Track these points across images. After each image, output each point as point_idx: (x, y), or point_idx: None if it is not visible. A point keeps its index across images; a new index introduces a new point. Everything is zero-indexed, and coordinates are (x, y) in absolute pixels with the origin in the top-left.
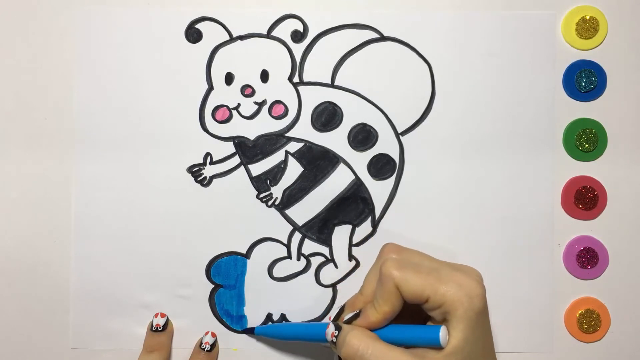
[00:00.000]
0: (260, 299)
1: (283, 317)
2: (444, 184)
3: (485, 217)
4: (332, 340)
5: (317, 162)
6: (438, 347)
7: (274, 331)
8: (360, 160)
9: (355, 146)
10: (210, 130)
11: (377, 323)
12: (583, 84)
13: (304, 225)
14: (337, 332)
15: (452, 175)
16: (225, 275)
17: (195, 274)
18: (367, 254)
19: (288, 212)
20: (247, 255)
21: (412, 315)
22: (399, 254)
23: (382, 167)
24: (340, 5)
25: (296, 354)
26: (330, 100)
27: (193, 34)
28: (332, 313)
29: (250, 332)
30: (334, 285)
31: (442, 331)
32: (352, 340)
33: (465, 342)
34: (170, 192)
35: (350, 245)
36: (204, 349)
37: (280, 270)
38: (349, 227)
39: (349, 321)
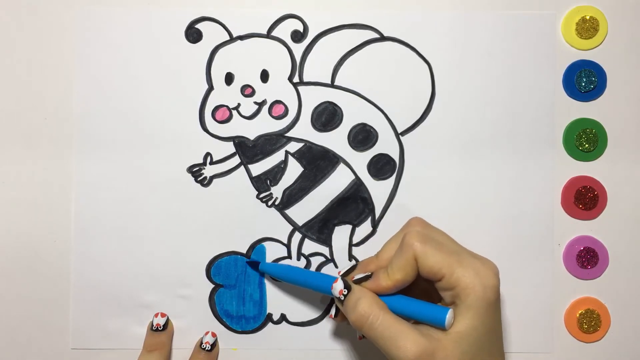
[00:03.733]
0: (261, 298)
1: (283, 317)
2: (444, 184)
3: (485, 217)
4: (339, 297)
5: (317, 162)
6: (441, 328)
7: (278, 271)
8: (360, 160)
9: (355, 146)
10: (210, 130)
11: (386, 289)
12: (583, 84)
13: (304, 225)
14: (346, 290)
15: (452, 175)
16: (225, 275)
17: (195, 274)
18: (367, 254)
19: (288, 212)
20: (247, 255)
21: (422, 296)
22: (425, 229)
23: (382, 167)
24: (340, 5)
25: (296, 354)
26: (330, 100)
27: (193, 34)
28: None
29: (254, 266)
30: None
31: (449, 314)
32: (364, 307)
33: (471, 329)
34: (170, 192)
35: (350, 245)
36: (204, 349)
37: None
38: (349, 227)
39: (359, 281)
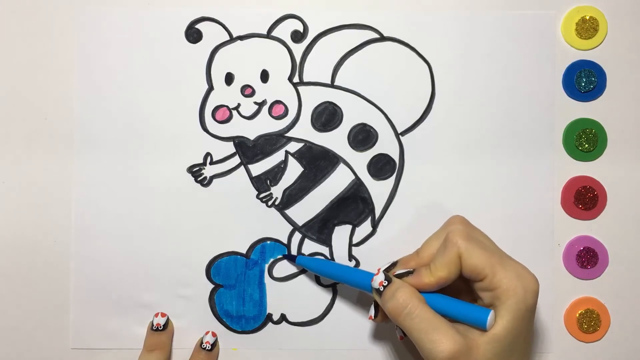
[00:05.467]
0: (261, 299)
1: (283, 317)
2: (444, 184)
3: (485, 217)
4: (378, 289)
5: (317, 162)
6: (481, 328)
7: (316, 265)
8: (360, 160)
9: (355, 146)
10: (210, 130)
11: (428, 286)
12: (583, 84)
13: (304, 225)
14: (386, 282)
15: (452, 175)
16: (225, 275)
17: (195, 274)
18: (367, 254)
19: (288, 212)
20: (247, 255)
21: (454, 295)
22: (467, 227)
23: (382, 167)
24: (340, 5)
25: (296, 354)
26: (330, 100)
27: (193, 34)
28: (332, 313)
29: (291, 259)
30: (334, 285)
31: (491, 315)
32: (402, 296)
33: (508, 332)
34: (171, 192)
35: (350, 245)
36: (204, 349)
37: (280, 270)
38: (349, 227)
39: (400, 276)
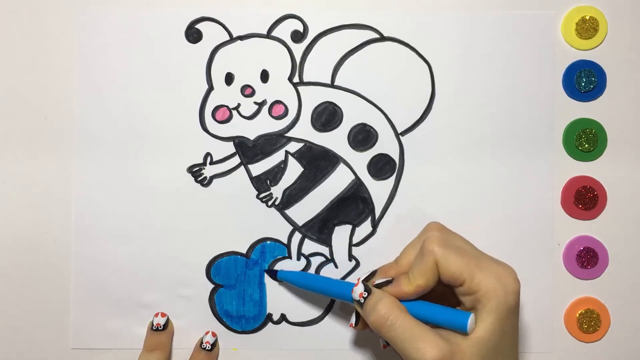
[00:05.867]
0: (261, 299)
1: (283, 317)
2: (444, 184)
3: (485, 217)
4: (359, 300)
5: (317, 162)
6: (463, 332)
7: (297, 279)
8: (360, 160)
9: (355, 146)
10: (210, 130)
11: (408, 294)
12: (583, 84)
13: (304, 225)
14: (366, 293)
15: (452, 175)
16: (225, 275)
17: (195, 274)
18: (367, 254)
19: (288, 212)
20: (247, 255)
21: (440, 300)
22: (444, 233)
23: (382, 167)
24: (340, 5)
25: (296, 354)
26: (330, 100)
27: (193, 34)
28: (332, 313)
29: (272, 274)
30: None
31: (471, 318)
32: (383, 308)
33: (491, 334)
34: (171, 192)
35: (350, 245)
36: (204, 349)
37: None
38: (349, 227)
39: (379, 286)
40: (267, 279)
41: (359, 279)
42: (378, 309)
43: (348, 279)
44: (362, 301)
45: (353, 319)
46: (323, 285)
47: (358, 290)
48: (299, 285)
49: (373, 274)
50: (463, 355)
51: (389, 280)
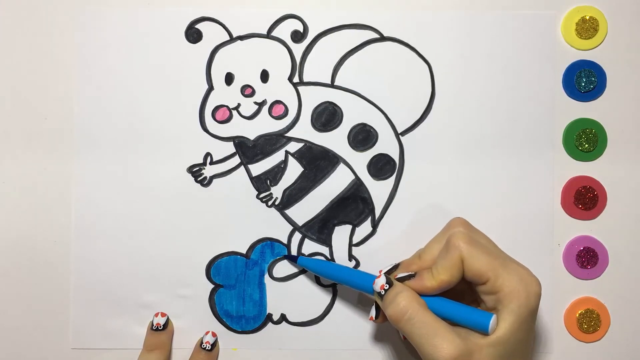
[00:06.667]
0: (261, 299)
1: (283, 317)
2: (444, 184)
3: (485, 217)
4: (379, 292)
5: (317, 162)
6: (483, 332)
7: (317, 266)
8: (360, 160)
9: (355, 146)
10: (210, 130)
11: (430, 289)
12: (583, 84)
13: (304, 225)
14: (387, 285)
15: (452, 175)
16: (225, 275)
17: (195, 274)
18: (367, 254)
19: (288, 212)
20: (247, 255)
21: (457, 297)
22: (469, 230)
23: (382, 167)
24: (340, 5)
25: (296, 354)
26: (330, 100)
27: (193, 34)
28: (332, 313)
29: (293, 259)
30: (334, 286)
31: (494, 319)
32: (403, 301)
33: (511, 335)
34: (171, 192)
35: (350, 245)
36: (204, 349)
37: (280, 270)
38: (349, 227)
39: (402, 280)
40: (267, 279)
41: (380, 271)
42: (397, 302)
43: None
44: (383, 293)
45: (373, 312)
46: (344, 275)
47: (380, 282)
48: (319, 272)
49: (395, 267)
50: (479, 354)
51: (411, 275)
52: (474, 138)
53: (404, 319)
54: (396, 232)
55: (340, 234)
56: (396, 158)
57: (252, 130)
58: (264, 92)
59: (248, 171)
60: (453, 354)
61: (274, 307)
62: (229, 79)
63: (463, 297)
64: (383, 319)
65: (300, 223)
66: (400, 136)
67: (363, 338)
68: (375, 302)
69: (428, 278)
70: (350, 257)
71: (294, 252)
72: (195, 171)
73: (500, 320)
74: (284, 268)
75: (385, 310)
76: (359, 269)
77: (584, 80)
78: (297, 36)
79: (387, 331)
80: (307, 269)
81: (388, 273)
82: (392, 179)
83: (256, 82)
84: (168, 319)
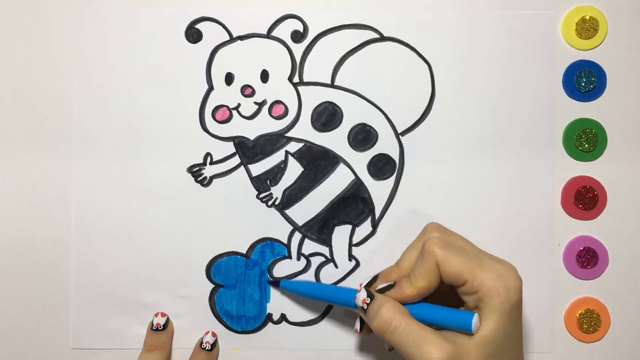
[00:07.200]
0: (261, 299)
1: (283, 317)
2: (444, 184)
3: (485, 217)
4: (362, 307)
5: (317, 162)
6: (467, 332)
7: (300, 288)
8: (360, 160)
9: (355, 146)
10: (210, 130)
11: (410, 297)
12: (583, 84)
13: (304, 225)
14: (369, 299)
15: (452, 175)
16: (225, 275)
17: (195, 274)
18: (367, 254)
19: (288, 212)
20: (247, 255)
21: (443, 299)
22: (443, 234)
23: (382, 167)
24: (340, 5)
25: (296, 354)
26: (330, 100)
27: (193, 34)
28: (332, 313)
29: (275, 284)
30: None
31: (475, 318)
32: (386, 313)
33: (496, 332)
34: (171, 192)
35: (350, 245)
36: (204, 349)
37: (280, 270)
38: (349, 227)
39: (382, 291)
40: (267, 278)
41: (361, 285)
42: (381, 314)
43: (348, 279)
44: (366, 307)
45: (358, 325)
46: (326, 293)
47: (361, 297)
48: (302, 294)
49: (375, 279)
50: (469, 355)
51: (391, 285)
52: (474, 138)
53: (390, 330)
54: (396, 232)
55: (340, 234)
56: (396, 158)
57: (252, 130)
58: (264, 92)
59: (248, 171)
60: (443, 358)
61: (274, 307)
62: (229, 79)
63: (449, 300)
64: (368, 331)
65: (300, 223)
66: (400, 136)
67: (363, 338)
68: (359, 315)
69: (407, 286)
70: (350, 257)
71: (294, 252)
72: (195, 171)
73: (483, 319)
74: (284, 268)
75: (370, 323)
76: (359, 269)
77: (584, 80)
78: (297, 36)
79: None
80: (290, 291)
81: (368, 285)
82: (392, 179)
83: (256, 82)
84: (168, 319)
